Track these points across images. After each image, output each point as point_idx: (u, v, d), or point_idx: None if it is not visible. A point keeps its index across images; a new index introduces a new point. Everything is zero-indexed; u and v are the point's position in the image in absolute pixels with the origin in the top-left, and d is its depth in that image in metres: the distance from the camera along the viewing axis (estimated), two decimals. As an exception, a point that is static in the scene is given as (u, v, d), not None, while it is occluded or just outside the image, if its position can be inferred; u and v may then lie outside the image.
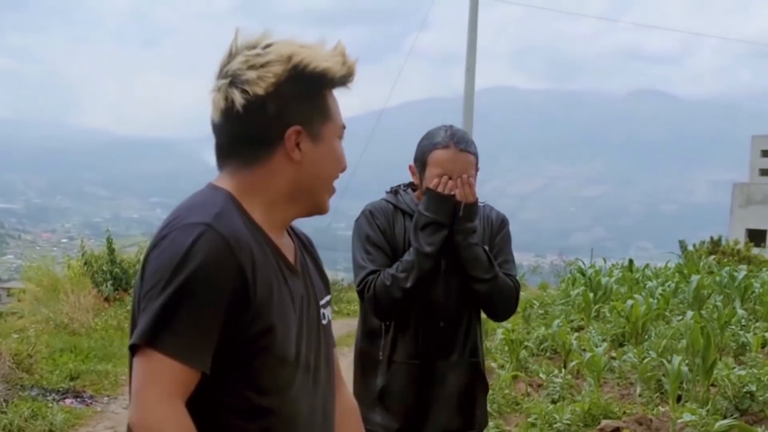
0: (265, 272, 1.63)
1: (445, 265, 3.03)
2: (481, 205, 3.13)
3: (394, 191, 3.15)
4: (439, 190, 2.93)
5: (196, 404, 1.58)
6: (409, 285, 2.92)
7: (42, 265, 14.48)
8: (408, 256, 2.96)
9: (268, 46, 1.65)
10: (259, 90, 1.62)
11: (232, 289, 1.57)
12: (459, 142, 2.93)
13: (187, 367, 1.54)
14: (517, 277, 3.19)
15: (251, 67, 1.62)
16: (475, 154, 2.98)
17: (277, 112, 1.65)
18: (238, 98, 1.62)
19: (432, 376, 3.04)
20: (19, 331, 9.25)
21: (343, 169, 1.78)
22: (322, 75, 1.66)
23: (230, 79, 1.64)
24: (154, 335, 1.53)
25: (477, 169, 3.02)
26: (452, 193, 2.93)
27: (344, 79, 1.71)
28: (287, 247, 1.76)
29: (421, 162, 2.99)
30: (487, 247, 3.07)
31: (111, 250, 14.81)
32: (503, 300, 3.08)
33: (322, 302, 1.84)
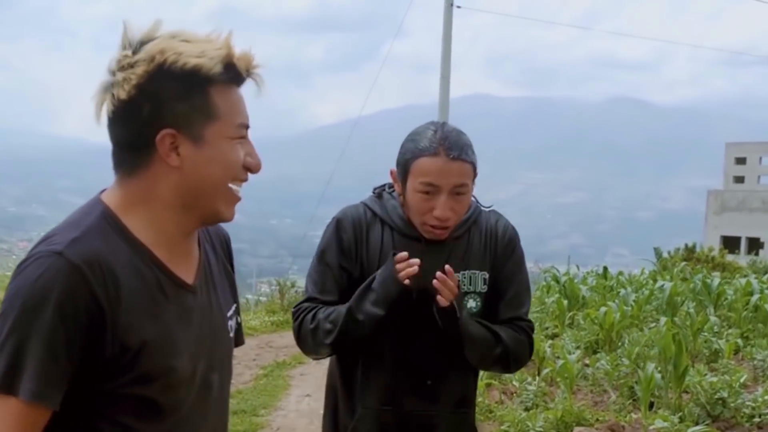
0: (134, 293, 1.53)
1: (422, 320, 2.48)
2: (487, 209, 2.64)
3: (378, 193, 2.63)
4: (400, 276, 2.39)
5: None
6: (328, 342, 2.49)
7: (15, 275, 14.29)
8: (342, 308, 2.49)
9: (144, 43, 1.53)
10: (122, 93, 1.51)
11: (85, 319, 1.47)
12: (451, 147, 2.36)
13: (37, 406, 1.45)
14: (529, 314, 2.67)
15: (120, 69, 1.52)
16: (472, 162, 2.42)
17: (149, 115, 1.52)
18: (108, 103, 1.54)
19: (408, 427, 2.56)
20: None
21: (235, 174, 1.59)
22: (193, 72, 1.51)
23: (105, 83, 1.56)
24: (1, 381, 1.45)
25: (474, 178, 2.47)
26: (408, 285, 2.40)
27: (232, 75, 1.56)
28: (184, 261, 1.65)
29: (403, 168, 2.44)
30: (484, 286, 2.54)
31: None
32: (515, 361, 2.61)
33: (229, 313, 1.77)
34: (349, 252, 2.54)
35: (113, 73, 1.53)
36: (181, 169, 1.55)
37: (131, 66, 1.51)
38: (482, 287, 2.55)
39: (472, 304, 2.53)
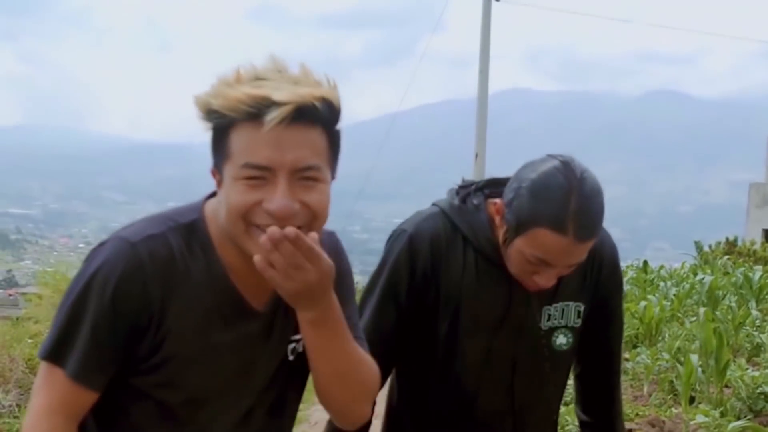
0: (190, 306, 1.55)
1: (519, 365, 2.14)
2: None
3: (463, 197, 2.11)
4: None
5: (99, 423, 1.61)
6: None
7: (58, 270, 14.51)
8: None
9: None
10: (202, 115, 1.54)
11: (134, 311, 1.52)
12: (584, 226, 1.84)
13: (76, 385, 1.53)
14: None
15: None
16: (598, 236, 1.96)
17: (211, 151, 1.55)
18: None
19: None
20: (34, 336, 9.26)
21: (242, 215, 1.48)
22: (210, 113, 1.49)
23: None
24: (50, 349, 1.54)
25: None
26: None
27: (253, 117, 1.45)
28: (258, 284, 1.58)
29: (516, 225, 1.90)
30: (578, 320, 2.16)
31: (126, 255, 14.76)
32: None
33: (295, 336, 1.68)
34: (423, 279, 2.08)
35: None
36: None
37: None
38: (575, 321, 2.16)
39: (562, 340, 2.16)
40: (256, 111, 1.43)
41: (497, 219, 1.99)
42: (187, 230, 1.58)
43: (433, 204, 2.17)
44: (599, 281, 2.17)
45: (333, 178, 1.56)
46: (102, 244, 1.57)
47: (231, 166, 1.48)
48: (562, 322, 2.15)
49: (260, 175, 1.46)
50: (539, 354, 2.14)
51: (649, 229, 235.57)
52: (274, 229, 1.41)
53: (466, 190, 2.13)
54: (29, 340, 8.78)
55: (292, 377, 1.73)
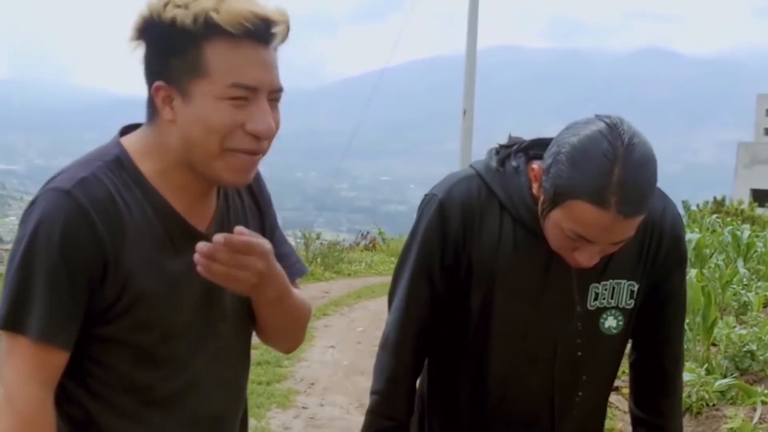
0: (141, 241, 1.50)
1: (560, 347, 1.92)
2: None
3: (502, 159, 1.89)
4: None
5: (75, 380, 1.55)
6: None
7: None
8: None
9: None
10: (132, 34, 1.47)
11: (87, 259, 1.45)
12: (628, 201, 1.62)
13: (42, 347, 1.46)
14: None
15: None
16: (647, 211, 1.71)
17: (147, 64, 1.48)
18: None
19: None
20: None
21: (221, 137, 1.45)
22: (173, 25, 1.41)
23: None
24: (6, 316, 1.47)
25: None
26: None
27: (227, 31, 1.41)
28: (200, 208, 1.58)
29: (553, 195, 1.70)
30: (631, 301, 1.91)
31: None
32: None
33: None
34: (454, 249, 1.90)
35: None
36: (176, 124, 1.47)
37: (144, 7, 1.44)
38: (628, 302, 1.92)
39: (611, 322, 1.92)
40: (254, 30, 1.41)
41: (535, 186, 1.78)
42: (115, 165, 1.51)
43: (471, 165, 1.95)
44: (657, 257, 1.92)
45: None
46: (33, 203, 1.49)
47: (209, 85, 1.42)
48: (611, 303, 1.91)
49: (245, 95, 1.43)
50: (584, 337, 1.91)
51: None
52: (201, 245, 1.38)
53: (507, 151, 1.89)
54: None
55: (249, 302, 1.70)
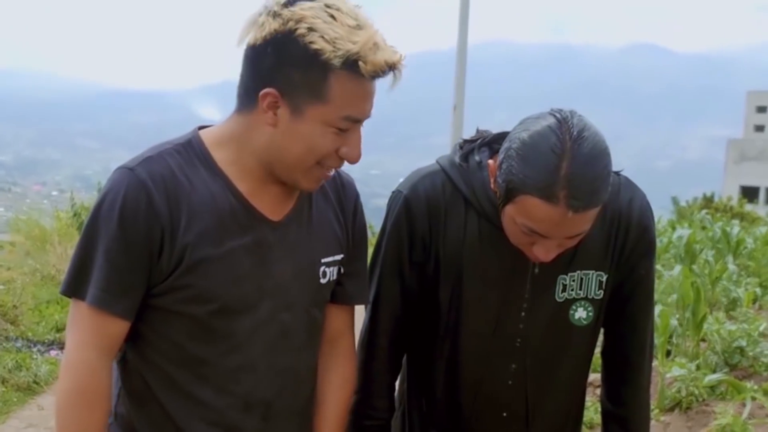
0: (201, 216, 1.58)
1: (531, 340, 1.92)
2: (616, 177, 1.89)
3: (465, 154, 1.89)
4: None
5: (135, 350, 1.64)
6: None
7: (31, 218, 14.39)
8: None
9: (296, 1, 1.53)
10: (254, 39, 1.54)
11: (145, 230, 1.54)
12: (577, 196, 1.60)
13: (103, 313, 1.55)
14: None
15: (267, 13, 1.53)
16: (601, 204, 1.67)
17: (268, 69, 1.54)
18: (249, 38, 1.56)
19: None
20: (6, 283, 9.16)
21: (319, 158, 1.57)
22: (314, 53, 1.49)
23: (255, 16, 1.58)
24: (69, 283, 1.57)
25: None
26: None
27: (357, 69, 1.50)
28: (274, 199, 1.66)
29: (505, 190, 1.68)
30: (600, 291, 1.91)
31: (101, 202, 14.75)
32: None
33: (326, 259, 1.75)
34: (422, 242, 1.90)
35: (263, 13, 1.53)
36: (274, 129, 1.56)
37: (273, 17, 1.51)
38: (597, 292, 1.91)
39: (581, 314, 1.91)
40: (383, 76, 1.53)
41: (492, 181, 1.78)
42: (183, 148, 1.62)
43: (437, 160, 1.96)
44: (625, 247, 1.90)
45: None
46: (108, 180, 1.60)
47: (325, 111, 1.52)
48: (580, 294, 1.90)
49: (351, 126, 1.56)
50: (554, 329, 1.90)
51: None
52: None
53: (470, 145, 1.89)
54: (1, 287, 8.68)
55: (321, 300, 1.78)
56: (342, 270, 1.80)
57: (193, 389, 1.63)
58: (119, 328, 1.58)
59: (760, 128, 57.63)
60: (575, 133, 1.61)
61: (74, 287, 1.56)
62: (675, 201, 22.21)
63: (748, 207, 23.40)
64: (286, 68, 1.52)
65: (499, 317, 1.89)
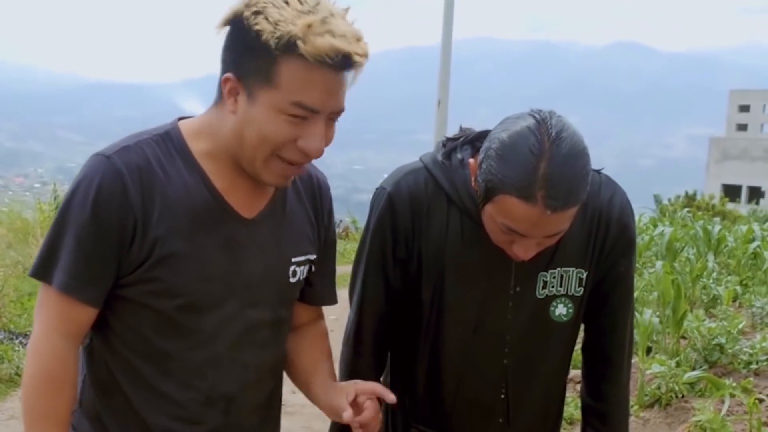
0: (174, 209, 1.57)
1: (511, 336, 1.94)
2: (597, 175, 1.93)
3: (448, 152, 1.89)
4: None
5: (101, 338, 1.64)
6: None
7: (13, 209, 14.30)
8: None
9: None
10: (220, 24, 1.53)
11: (117, 219, 1.53)
12: (555, 196, 1.62)
13: (70, 299, 1.55)
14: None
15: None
16: (579, 204, 1.69)
17: (225, 53, 1.55)
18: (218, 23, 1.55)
19: None
20: (-12, 274, 9.11)
21: (273, 147, 1.53)
22: (256, 34, 1.47)
23: None
24: (37, 266, 1.57)
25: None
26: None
27: (298, 52, 1.46)
28: (247, 196, 1.65)
29: (485, 190, 1.70)
30: (580, 288, 1.93)
31: (83, 195, 14.73)
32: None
33: (296, 258, 1.74)
34: (406, 239, 1.90)
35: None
36: (235, 117, 1.55)
37: (238, 3, 1.51)
38: (577, 289, 1.94)
39: (561, 310, 1.94)
40: (332, 62, 1.46)
41: (473, 180, 1.80)
42: (161, 138, 1.61)
43: (420, 158, 1.96)
44: (605, 245, 1.93)
45: None
46: (83, 166, 1.59)
47: (275, 96, 1.49)
48: (561, 291, 1.93)
49: (304, 114, 1.50)
50: (535, 326, 1.93)
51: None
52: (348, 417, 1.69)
53: (453, 143, 1.90)
54: (-18, 279, 8.62)
55: (289, 299, 1.79)
56: (313, 269, 1.80)
57: (157, 383, 1.63)
58: (86, 315, 1.58)
59: (742, 127, 57.99)
60: (553, 133, 1.63)
61: (42, 271, 1.56)
62: (657, 199, 22.31)
63: (730, 206, 23.57)
64: (240, 53, 1.51)
65: (480, 315, 1.91)
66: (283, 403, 1.93)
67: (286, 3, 1.47)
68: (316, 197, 1.81)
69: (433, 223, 1.88)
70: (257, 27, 1.46)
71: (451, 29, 17.66)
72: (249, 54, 1.49)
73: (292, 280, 1.74)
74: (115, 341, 1.63)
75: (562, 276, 1.92)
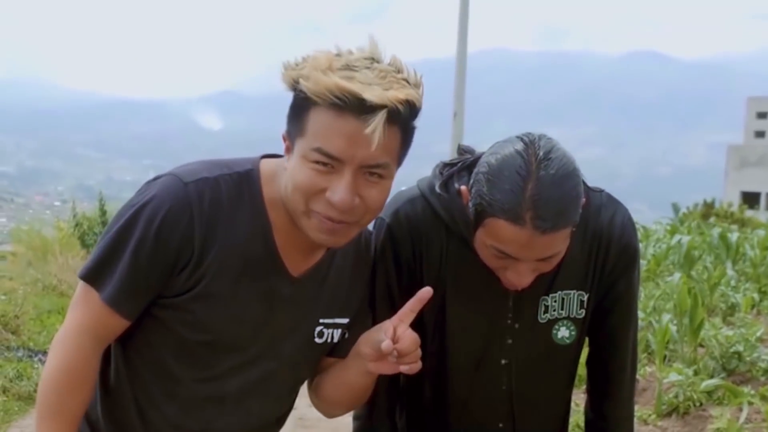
0: (229, 252, 1.59)
1: (513, 363, 1.94)
2: (598, 194, 1.91)
3: (445, 182, 1.86)
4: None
5: (121, 345, 1.67)
6: None
7: (32, 227, 14.45)
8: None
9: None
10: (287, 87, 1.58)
11: (176, 247, 1.56)
12: (543, 216, 1.60)
13: (109, 309, 1.58)
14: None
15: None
16: (571, 225, 1.67)
17: (288, 112, 1.58)
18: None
19: None
20: (8, 293, 9.20)
21: (304, 196, 1.53)
22: (300, 92, 1.52)
23: None
24: (91, 269, 1.59)
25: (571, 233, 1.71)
26: None
27: (341, 103, 1.46)
28: (300, 254, 1.67)
29: (475, 214, 1.70)
30: (582, 311, 1.92)
31: (103, 212, 14.96)
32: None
33: (326, 320, 1.75)
34: (408, 268, 1.90)
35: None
36: (286, 171, 1.58)
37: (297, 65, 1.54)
38: (578, 312, 1.92)
39: (564, 333, 1.93)
40: (341, 103, 1.44)
41: (466, 206, 1.77)
42: (240, 178, 1.62)
43: (417, 184, 1.94)
44: (605, 266, 1.90)
45: (398, 166, 1.60)
46: (156, 179, 1.61)
47: (303, 143, 1.51)
48: (562, 314, 1.91)
49: (329, 162, 1.49)
50: (539, 349, 1.92)
51: (627, 191, 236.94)
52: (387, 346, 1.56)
53: (450, 170, 1.86)
54: (3, 297, 8.71)
55: (312, 358, 1.79)
56: (346, 335, 1.79)
57: (160, 401, 1.67)
58: (120, 325, 1.61)
59: (760, 134, 57.63)
60: (541, 154, 1.62)
61: (94, 276, 1.58)
62: (675, 207, 22.19)
63: (749, 213, 23.40)
64: (291, 111, 1.56)
65: (483, 341, 1.91)
66: (300, 417, 1.95)
67: (329, 68, 1.48)
68: (361, 259, 1.81)
69: (432, 251, 1.88)
70: (294, 83, 1.51)
71: (466, 41, 17.69)
72: (293, 110, 1.54)
73: (318, 340, 1.74)
74: (132, 354, 1.67)
75: (563, 299, 1.91)
